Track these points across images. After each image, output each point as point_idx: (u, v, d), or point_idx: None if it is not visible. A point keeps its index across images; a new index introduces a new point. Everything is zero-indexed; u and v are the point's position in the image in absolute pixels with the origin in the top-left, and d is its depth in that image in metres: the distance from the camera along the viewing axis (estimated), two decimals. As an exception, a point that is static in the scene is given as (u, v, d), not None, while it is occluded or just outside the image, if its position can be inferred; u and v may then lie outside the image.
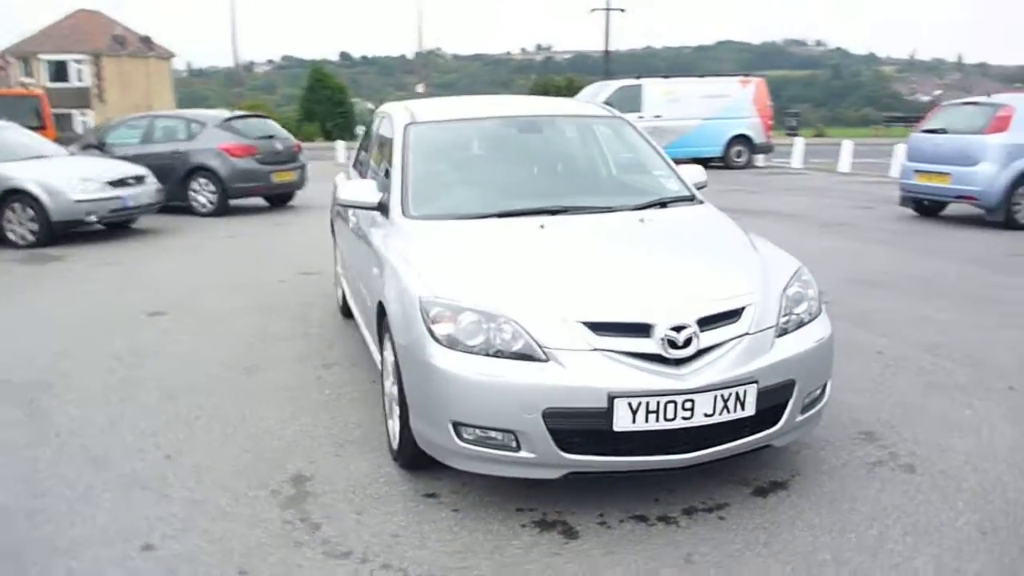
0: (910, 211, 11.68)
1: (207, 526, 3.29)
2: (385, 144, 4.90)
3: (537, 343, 3.11)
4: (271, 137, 13.26)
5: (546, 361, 3.09)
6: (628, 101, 19.15)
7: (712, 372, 3.12)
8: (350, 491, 3.57)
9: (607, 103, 18.80)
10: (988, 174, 10.00)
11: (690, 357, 3.13)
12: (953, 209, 11.47)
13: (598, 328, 3.13)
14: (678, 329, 3.12)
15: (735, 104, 20.11)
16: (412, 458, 3.63)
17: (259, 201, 13.72)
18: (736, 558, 3.01)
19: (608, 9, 25.31)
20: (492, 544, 3.13)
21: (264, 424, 4.33)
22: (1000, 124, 10.08)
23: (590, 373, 3.05)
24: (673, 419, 3.07)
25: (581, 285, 3.36)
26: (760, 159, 20.99)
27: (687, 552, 3.05)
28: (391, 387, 3.85)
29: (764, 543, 3.11)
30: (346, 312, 6.27)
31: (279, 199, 13.82)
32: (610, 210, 4.15)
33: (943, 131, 10.78)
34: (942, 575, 2.89)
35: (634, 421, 3.04)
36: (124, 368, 5.28)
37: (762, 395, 3.19)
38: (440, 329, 3.26)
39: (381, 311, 3.87)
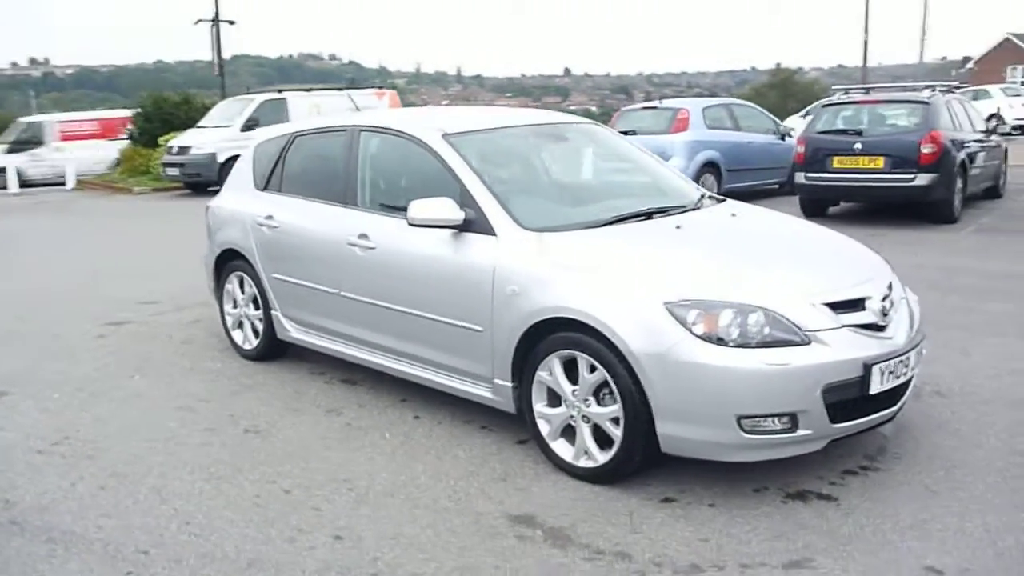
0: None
1: (514, 586, 2.95)
2: (408, 158, 4.54)
3: (797, 327, 3.36)
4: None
5: (809, 343, 3.36)
6: (274, 115, 18.44)
7: (903, 333, 3.68)
8: (592, 516, 3.41)
9: (252, 118, 18.19)
10: (680, 167, 11.91)
11: (887, 324, 3.64)
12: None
13: (836, 307, 3.48)
14: (884, 299, 3.62)
15: (376, 116, 20.53)
16: (629, 470, 3.59)
17: None
18: (954, 476, 3.61)
19: (217, 21, 23.83)
20: (793, 522, 3.31)
21: (380, 481, 3.81)
22: (681, 125, 12.11)
23: (847, 347, 3.40)
24: (899, 376, 3.57)
25: (790, 272, 3.67)
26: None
27: (925, 484, 3.57)
28: (559, 409, 3.75)
29: (950, 467, 3.75)
30: (265, 355, 5.54)
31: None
32: (684, 209, 4.43)
33: (633, 132, 12.54)
34: (1075, 456, 3.82)
35: (881, 383, 3.47)
36: (86, 462, 4.10)
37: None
38: (701, 329, 3.32)
39: (536, 331, 3.72)
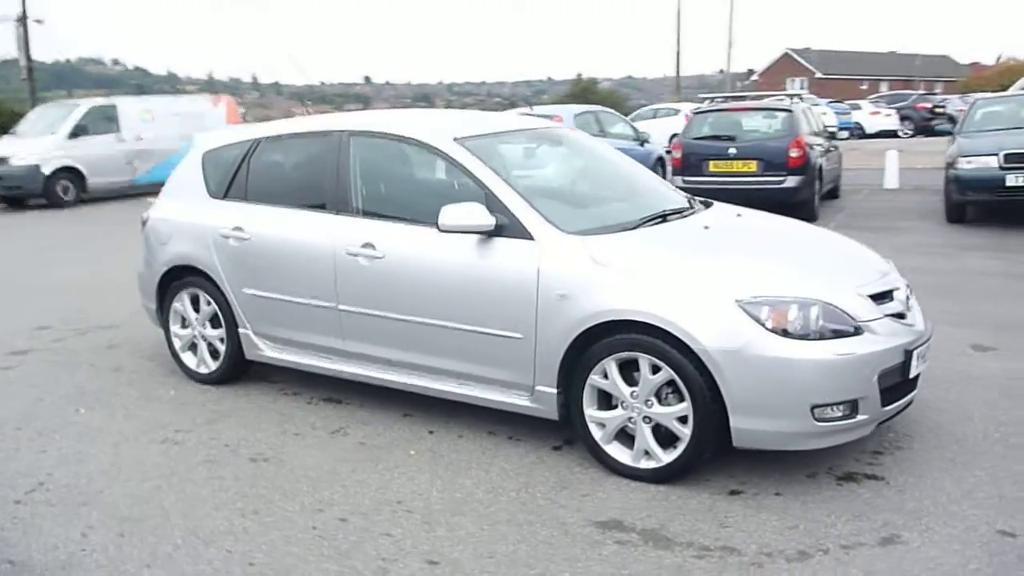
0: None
1: None
2: (412, 163, 4.36)
3: (852, 318, 3.55)
4: None
5: (862, 333, 3.56)
6: (104, 123, 17.14)
7: (921, 320, 3.98)
8: (676, 515, 3.44)
9: (80, 125, 16.68)
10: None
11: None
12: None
13: (875, 298, 3.72)
14: (907, 288, 3.91)
15: (211, 123, 19.44)
16: (695, 467, 3.65)
17: None
18: (967, 448, 3.94)
19: (24, 20, 21.32)
20: (861, 502, 3.50)
21: (436, 500, 3.64)
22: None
23: (891, 335, 3.64)
24: (925, 360, 3.86)
25: (825, 267, 3.88)
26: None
27: (948, 458, 3.88)
28: (614, 412, 3.75)
29: (958, 440, 4.10)
30: (225, 378, 5.13)
31: None
32: (691, 210, 4.54)
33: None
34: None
35: (916, 366, 3.74)
36: (84, 509, 3.62)
37: (926, 335, 4.17)
38: (773, 323, 3.44)
39: (587, 336, 3.69)
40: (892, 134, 30.71)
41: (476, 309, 4.02)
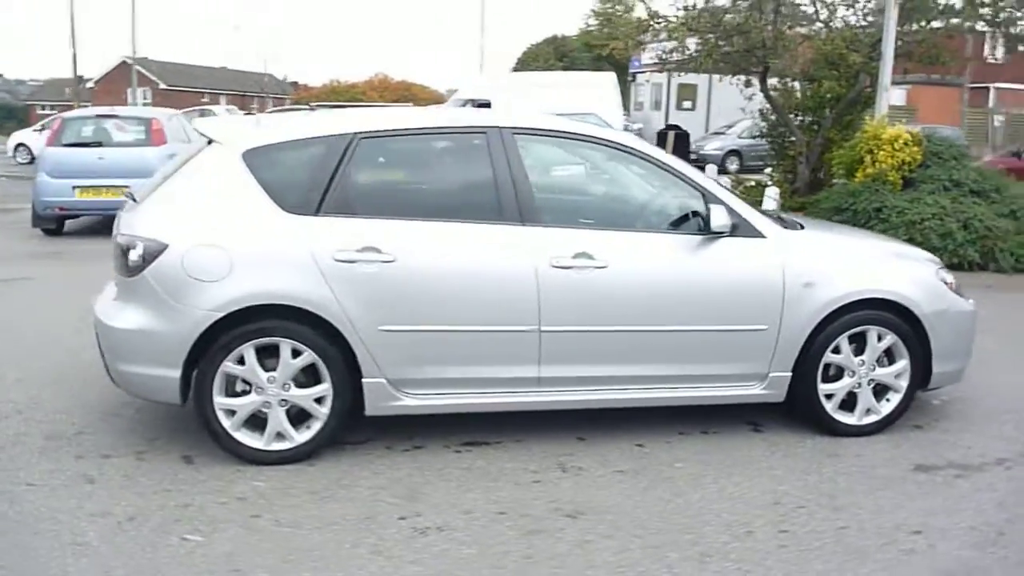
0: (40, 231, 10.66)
1: None
2: (607, 165, 4.10)
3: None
4: None
5: None
6: None
7: None
8: (929, 448, 4.23)
9: None
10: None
11: None
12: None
13: (941, 263, 5.04)
14: None
15: None
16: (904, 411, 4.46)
17: None
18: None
19: None
20: (1000, 413, 4.74)
21: (810, 494, 3.74)
22: (158, 137, 10.66)
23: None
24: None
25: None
26: None
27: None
28: (843, 381, 4.29)
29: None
30: (318, 448, 3.93)
31: None
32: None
33: (98, 144, 10.43)
34: None
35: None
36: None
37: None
38: (952, 287, 4.48)
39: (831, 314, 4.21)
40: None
41: (720, 309, 4.10)
